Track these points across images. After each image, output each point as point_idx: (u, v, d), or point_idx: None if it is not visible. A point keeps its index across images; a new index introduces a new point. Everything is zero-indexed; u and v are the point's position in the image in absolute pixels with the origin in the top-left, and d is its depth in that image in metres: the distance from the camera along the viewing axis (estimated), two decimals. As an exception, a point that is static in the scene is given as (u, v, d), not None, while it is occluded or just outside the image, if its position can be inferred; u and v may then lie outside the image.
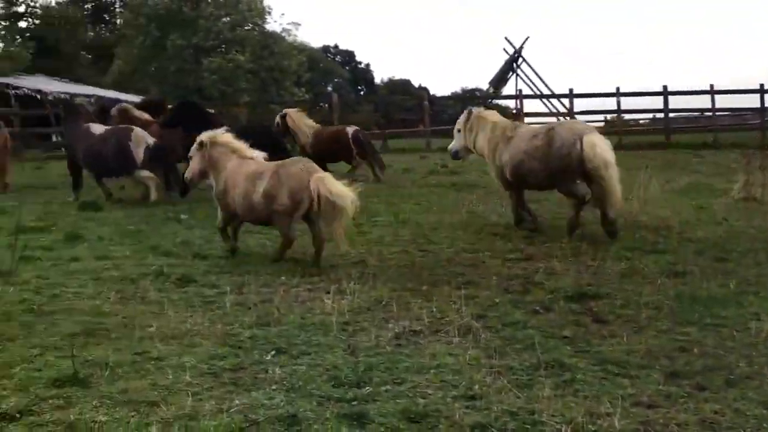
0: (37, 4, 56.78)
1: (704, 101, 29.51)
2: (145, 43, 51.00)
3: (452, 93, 57.48)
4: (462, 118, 11.29)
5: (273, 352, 5.46)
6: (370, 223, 11.35)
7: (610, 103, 31.09)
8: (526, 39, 50.84)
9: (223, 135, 9.36)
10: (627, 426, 4.18)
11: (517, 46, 49.95)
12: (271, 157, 9.35)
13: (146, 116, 17.15)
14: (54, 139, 32.16)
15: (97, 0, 63.26)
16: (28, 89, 31.29)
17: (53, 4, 57.55)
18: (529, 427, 4.20)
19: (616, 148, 10.56)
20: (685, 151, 23.63)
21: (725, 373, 4.96)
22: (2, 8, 53.51)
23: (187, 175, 9.57)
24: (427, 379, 4.89)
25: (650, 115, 36.81)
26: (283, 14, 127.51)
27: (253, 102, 38.92)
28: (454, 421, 4.26)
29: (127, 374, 5.02)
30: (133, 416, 4.33)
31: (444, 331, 5.90)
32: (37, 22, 55.57)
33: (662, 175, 15.20)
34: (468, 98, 45.15)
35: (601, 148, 9.50)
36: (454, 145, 11.52)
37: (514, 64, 50.08)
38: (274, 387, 4.78)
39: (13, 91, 29.97)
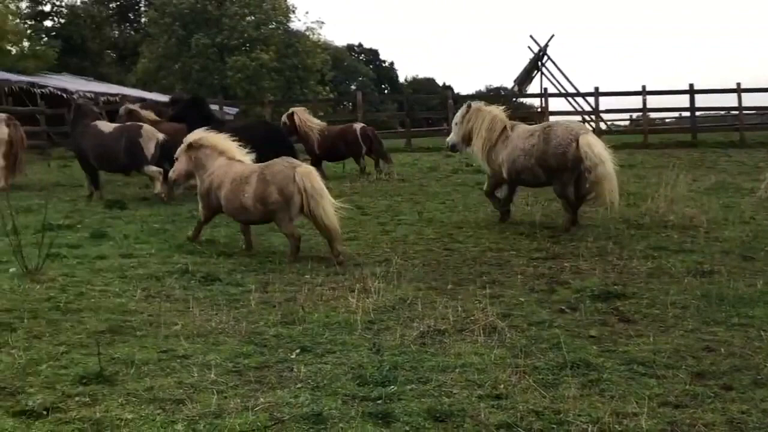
0: (63, 3, 57.37)
1: (731, 100, 29.14)
2: (170, 42, 51.28)
3: (477, 91, 57.41)
4: (461, 111, 11.42)
5: (298, 351, 5.47)
6: (394, 222, 11.36)
7: (636, 102, 30.87)
8: (551, 37, 50.37)
9: (211, 137, 9.51)
10: (654, 426, 4.15)
11: (542, 45, 49.60)
12: (277, 155, 9.42)
13: (153, 116, 17.66)
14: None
15: (122, -1, 63.77)
16: (54, 88, 31.47)
17: (78, 3, 58.07)
18: (555, 426, 4.18)
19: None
20: (711, 149, 23.40)
21: (752, 373, 4.91)
22: (28, 7, 54.03)
23: (171, 175, 9.81)
24: (452, 378, 4.88)
25: (676, 114, 36.39)
26: (307, 13, 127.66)
27: (277, 100, 38.95)
28: (479, 420, 4.25)
29: (153, 372, 5.04)
30: (158, 414, 4.35)
31: (469, 330, 5.88)
32: (62, 21, 56.08)
33: (689, 173, 15.06)
34: (492, 96, 44.90)
35: (596, 148, 9.77)
36: (452, 137, 11.60)
37: (539, 63, 49.70)
38: (299, 385, 4.79)
39: (39, 90, 30.15)
